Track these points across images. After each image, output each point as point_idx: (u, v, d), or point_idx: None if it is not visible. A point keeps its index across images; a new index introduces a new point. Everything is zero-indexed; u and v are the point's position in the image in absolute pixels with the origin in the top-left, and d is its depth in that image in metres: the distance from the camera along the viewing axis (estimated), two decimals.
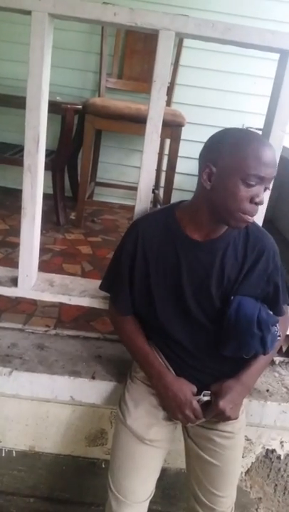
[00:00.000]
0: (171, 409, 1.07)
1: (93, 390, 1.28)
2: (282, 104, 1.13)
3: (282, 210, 2.76)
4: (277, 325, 1.07)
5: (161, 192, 2.68)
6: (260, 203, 0.93)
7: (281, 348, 1.44)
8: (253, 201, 0.93)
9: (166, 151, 2.46)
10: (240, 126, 2.81)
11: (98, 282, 1.26)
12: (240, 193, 0.92)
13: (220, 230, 1.04)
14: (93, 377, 1.28)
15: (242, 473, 1.46)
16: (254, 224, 1.10)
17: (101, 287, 1.22)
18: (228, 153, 0.93)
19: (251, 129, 2.71)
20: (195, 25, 1.07)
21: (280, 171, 1.21)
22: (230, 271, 1.04)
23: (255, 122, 2.75)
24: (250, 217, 0.95)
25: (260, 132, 1.26)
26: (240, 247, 1.04)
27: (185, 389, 1.06)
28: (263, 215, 1.24)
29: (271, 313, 1.07)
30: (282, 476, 1.48)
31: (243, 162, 0.90)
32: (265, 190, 0.95)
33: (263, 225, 1.18)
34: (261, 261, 1.04)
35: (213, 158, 0.96)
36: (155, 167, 1.20)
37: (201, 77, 2.79)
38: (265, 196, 1.21)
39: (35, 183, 1.21)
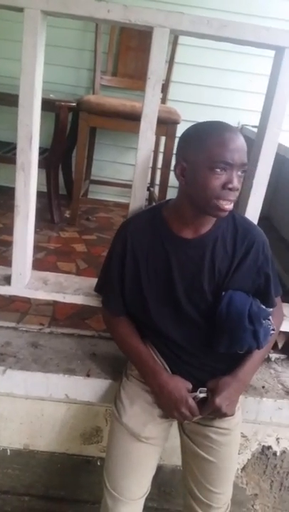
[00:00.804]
0: (167, 407, 1.07)
1: (88, 387, 1.28)
2: (277, 102, 1.13)
3: (278, 207, 2.76)
4: (271, 318, 1.08)
5: (156, 190, 2.68)
6: (234, 188, 0.93)
7: (277, 344, 1.45)
8: (226, 187, 0.93)
9: (162, 149, 2.45)
10: (235, 124, 2.81)
11: (93, 280, 1.25)
12: (211, 182, 0.93)
13: (207, 225, 1.04)
14: (88, 375, 1.27)
15: (238, 469, 1.46)
16: (241, 217, 1.11)
17: (95, 289, 1.24)
18: (194, 145, 0.95)
19: (247, 127, 2.72)
20: (190, 22, 1.06)
21: (275, 168, 1.21)
22: (221, 264, 1.04)
23: (250, 120, 2.74)
24: (228, 203, 0.95)
25: (255, 130, 1.26)
26: (230, 239, 1.05)
27: (180, 386, 1.06)
28: (259, 212, 1.24)
29: (263, 307, 1.07)
30: (278, 472, 1.48)
31: (208, 151, 0.92)
32: (243, 173, 0.96)
33: (258, 222, 1.18)
34: (251, 252, 1.04)
35: (182, 154, 0.99)
36: (150, 165, 1.19)
37: (196, 74, 2.78)
38: (260, 186, 1.21)
39: (28, 181, 1.20)
